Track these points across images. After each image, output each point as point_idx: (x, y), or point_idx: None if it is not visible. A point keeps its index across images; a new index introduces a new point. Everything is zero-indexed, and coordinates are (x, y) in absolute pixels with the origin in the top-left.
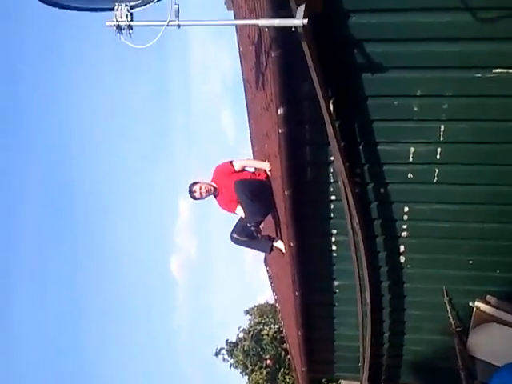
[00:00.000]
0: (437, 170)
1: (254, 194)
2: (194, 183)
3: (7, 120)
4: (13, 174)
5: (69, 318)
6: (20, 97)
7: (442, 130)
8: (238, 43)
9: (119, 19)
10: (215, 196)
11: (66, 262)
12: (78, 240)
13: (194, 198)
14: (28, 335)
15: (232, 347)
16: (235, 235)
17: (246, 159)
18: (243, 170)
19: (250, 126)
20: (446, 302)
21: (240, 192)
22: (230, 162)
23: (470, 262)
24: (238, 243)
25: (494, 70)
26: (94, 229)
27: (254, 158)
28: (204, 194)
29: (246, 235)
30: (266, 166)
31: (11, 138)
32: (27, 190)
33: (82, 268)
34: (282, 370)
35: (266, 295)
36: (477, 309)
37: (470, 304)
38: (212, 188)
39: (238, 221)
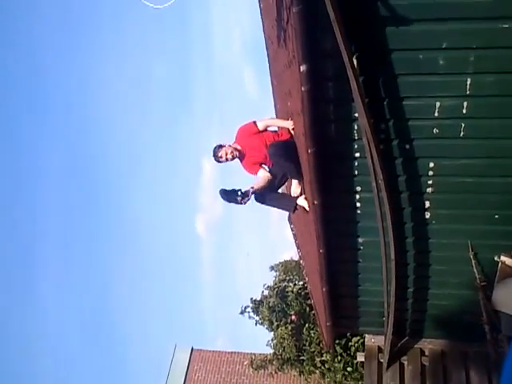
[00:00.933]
0: (463, 125)
1: (287, 154)
2: (220, 146)
3: (29, 79)
4: (36, 132)
5: (96, 276)
6: (40, 61)
7: (468, 83)
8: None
9: None
10: (240, 159)
11: (91, 221)
12: (103, 200)
13: (219, 161)
14: (54, 295)
15: (257, 305)
16: (259, 194)
17: (268, 118)
18: (266, 129)
19: (272, 84)
20: (471, 256)
21: (274, 155)
22: (254, 122)
23: (496, 216)
24: (261, 202)
25: None
26: (118, 190)
27: (277, 117)
28: (230, 159)
29: (269, 194)
30: (289, 124)
31: (33, 95)
32: (49, 150)
33: (107, 227)
34: (306, 325)
35: (291, 253)
36: (502, 263)
37: (495, 258)
38: (237, 152)
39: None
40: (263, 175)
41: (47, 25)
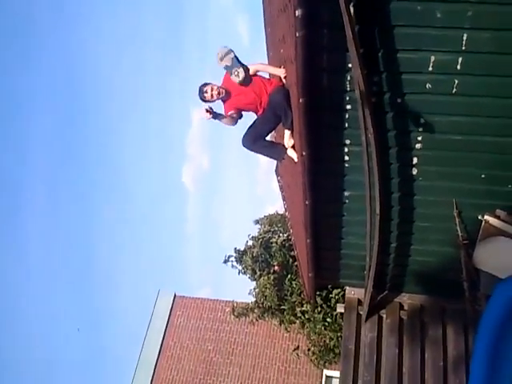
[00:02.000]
0: (456, 81)
1: (289, 102)
2: (206, 84)
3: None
4: (25, 81)
5: (81, 226)
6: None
7: (464, 38)
8: None
9: None
10: (223, 101)
11: (77, 170)
12: (90, 148)
13: (204, 99)
14: (38, 239)
15: (241, 254)
16: (248, 140)
17: (259, 63)
18: (255, 74)
19: (265, 30)
20: (456, 214)
21: (280, 102)
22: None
23: (483, 175)
24: (250, 148)
25: None
26: (105, 137)
27: (269, 64)
28: (215, 96)
29: (259, 141)
30: (280, 72)
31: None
32: (39, 98)
33: (94, 176)
34: (289, 275)
35: (276, 206)
36: (485, 222)
37: (479, 217)
38: (223, 91)
39: (251, 126)
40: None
41: None
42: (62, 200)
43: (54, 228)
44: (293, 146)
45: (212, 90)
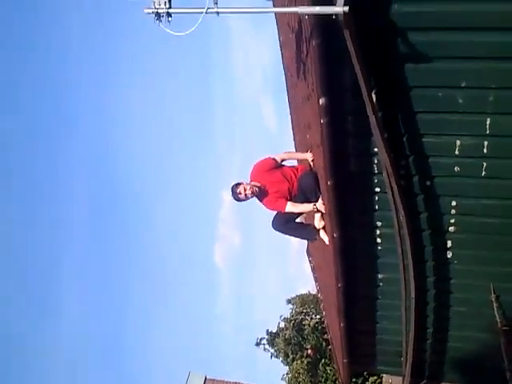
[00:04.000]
0: (484, 164)
1: (318, 184)
2: (238, 184)
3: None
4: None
5: (115, 305)
6: (69, 89)
7: (488, 122)
8: (279, 32)
9: (158, 6)
10: (259, 197)
11: (112, 251)
12: (124, 230)
13: (239, 199)
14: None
15: (273, 337)
16: (278, 223)
17: (284, 152)
18: (282, 164)
19: (291, 116)
20: (493, 299)
21: (309, 186)
22: (271, 158)
23: None
24: (280, 231)
25: None
26: (139, 219)
27: (296, 150)
28: (249, 196)
29: (289, 223)
30: (308, 156)
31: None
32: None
33: (127, 256)
34: (322, 360)
35: (308, 286)
36: None
37: None
38: (257, 188)
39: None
40: (294, 207)
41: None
42: (97, 278)
43: (89, 305)
44: (323, 228)
45: (245, 190)
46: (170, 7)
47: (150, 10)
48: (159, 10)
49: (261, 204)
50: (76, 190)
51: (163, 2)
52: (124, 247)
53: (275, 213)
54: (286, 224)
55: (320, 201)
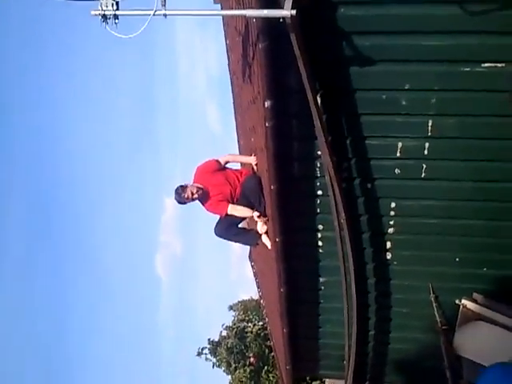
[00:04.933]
0: (424, 166)
1: (261, 189)
2: (183, 186)
3: None
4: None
5: (54, 314)
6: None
7: (430, 124)
8: (226, 35)
9: (105, 8)
10: (202, 199)
11: (51, 257)
12: (63, 236)
13: (185, 202)
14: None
15: (215, 346)
16: (220, 229)
17: (229, 155)
18: (226, 167)
19: (236, 120)
20: (433, 299)
21: (253, 189)
22: (215, 160)
23: (457, 259)
24: (223, 237)
25: (482, 65)
26: (78, 225)
27: (240, 153)
28: (196, 198)
29: (231, 229)
30: (252, 160)
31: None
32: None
33: (66, 263)
34: (265, 367)
35: (251, 292)
36: (463, 307)
37: (457, 302)
38: (201, 191)
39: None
40: (235, 210)
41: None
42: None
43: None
44: (266, 233)
45: (192, 194)
46: (117, 9)
47: (97, 12)
48: (106, 12)
49: (202, 207)
50: (13, 199)
51: (110, 4)
52: (63, 254)
53: (218, 219)
54: (228, 229)
55: (256, 213)
